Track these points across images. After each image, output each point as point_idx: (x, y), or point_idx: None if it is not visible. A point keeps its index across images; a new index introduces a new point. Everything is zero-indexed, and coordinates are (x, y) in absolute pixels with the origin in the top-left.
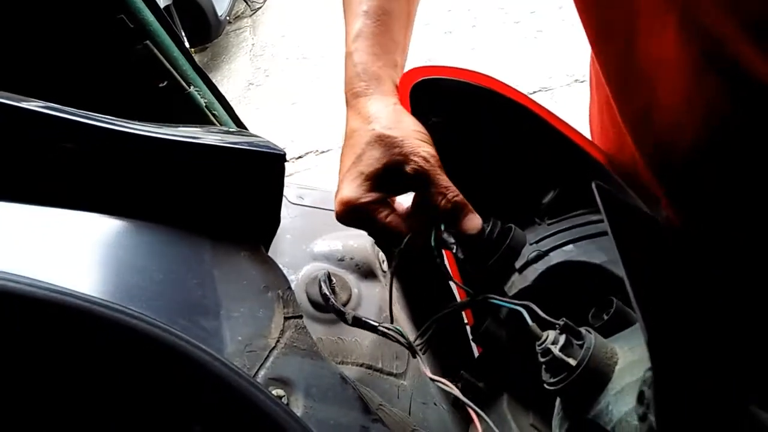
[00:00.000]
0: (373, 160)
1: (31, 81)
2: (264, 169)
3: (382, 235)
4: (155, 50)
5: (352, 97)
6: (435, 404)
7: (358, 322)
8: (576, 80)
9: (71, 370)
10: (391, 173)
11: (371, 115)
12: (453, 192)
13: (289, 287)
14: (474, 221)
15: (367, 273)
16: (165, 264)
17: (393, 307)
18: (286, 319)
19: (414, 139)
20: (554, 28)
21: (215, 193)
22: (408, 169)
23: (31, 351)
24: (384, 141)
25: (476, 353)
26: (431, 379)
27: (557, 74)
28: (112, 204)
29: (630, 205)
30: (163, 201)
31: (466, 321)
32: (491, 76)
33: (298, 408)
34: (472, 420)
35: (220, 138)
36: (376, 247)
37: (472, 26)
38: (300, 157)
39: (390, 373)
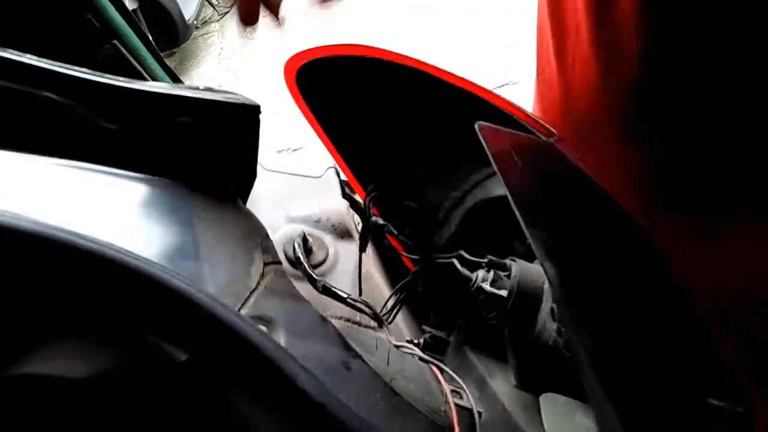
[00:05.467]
0: None
1: None
2: (240, 121)
3: None
4: (123, 50)
5: None
6: (412, 355)
7: (328, 292)
8: None
9: (67, 303)
10: None
11: None
12: None
13: (268, 236)
14: None
15: (343, 233)
16: (146, 211)
17: (372, 267)
18: (265, 264)
19: None
20: (526, 26)
21: (193, 145)
22: None
23: (35, 285)
24: None
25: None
26: (396, 346)
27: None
28: (92, 153)
29: (520, 136)
30: (142, 152)
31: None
32: (375, 46)
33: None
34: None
35: (196, 92)
36: (351, 210)
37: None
38: None
39: (368, 326)
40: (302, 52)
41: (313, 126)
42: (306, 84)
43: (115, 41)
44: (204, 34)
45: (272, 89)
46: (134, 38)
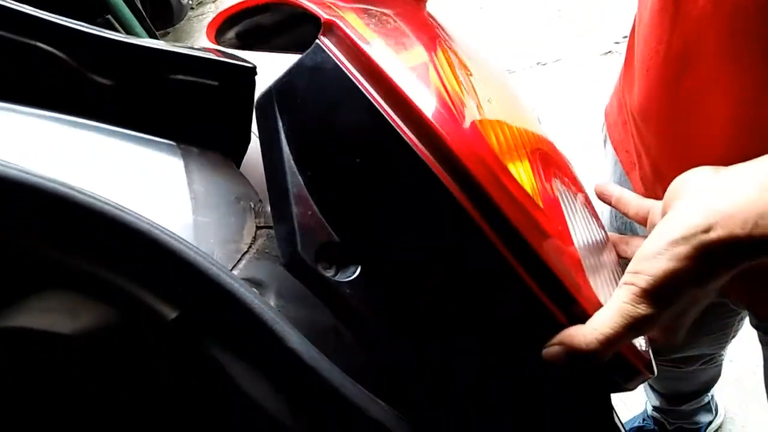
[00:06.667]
0: None
1: None
2: (235, 82)
3: None
4: (117, 24)
5: None
6: None
7: None
8: (537, 62)
9: (55, 256)
10: None
11: None
12: None
13: (261, 201)
14: None
15: None
16: (138, 168)
17: None
18: (258, 228)
19: None
20: (516, 14)
21: (188, 104)
22: None
23: (20, 236)
24: None
25: None
26: None
27: (519, 57)
28: (85, 107)
29: None
30: (135, 109)
31: None
32: None
33: None
34: None
35: (191, 50)
36: None
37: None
38: None
39: None
40: (219, 14)
41: None
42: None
43: (109, 16)
44: (199, 15)
45: (265, 71)
46: (128, 14)
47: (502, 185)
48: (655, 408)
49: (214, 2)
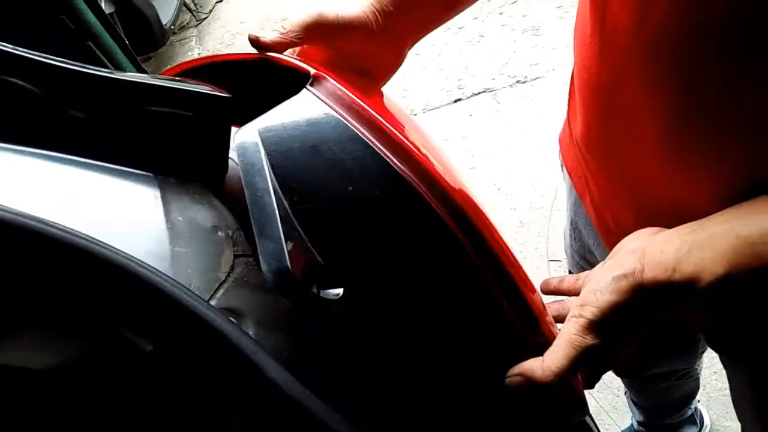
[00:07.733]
0: None
1: None
2: (211, 111)
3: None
4: (98, 52)
5: None
6: None
7: None
8: (517, 81)
9: (30, 293)
10: None
11: None
12: None
13: (239, 228)
14: None
15: None
16: (113, 200)
17: None
18: (236, 256)
19: None
20: (495, 33)
21: (163, 135)
22: None
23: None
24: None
25: None
26: None
27: (499, 76)
28: (60, 142)
29: None
30: (112, 141)
31: None
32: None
33: None
34: None
35: (166, 82)
36: None
37: None
38: None
39: None
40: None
41: None
42: None
43: (90, 43)
44: (181, 39)
45: None
46: (110, 41)
47: (486, 224)
48: (639, 423)
49: (196, 27)
